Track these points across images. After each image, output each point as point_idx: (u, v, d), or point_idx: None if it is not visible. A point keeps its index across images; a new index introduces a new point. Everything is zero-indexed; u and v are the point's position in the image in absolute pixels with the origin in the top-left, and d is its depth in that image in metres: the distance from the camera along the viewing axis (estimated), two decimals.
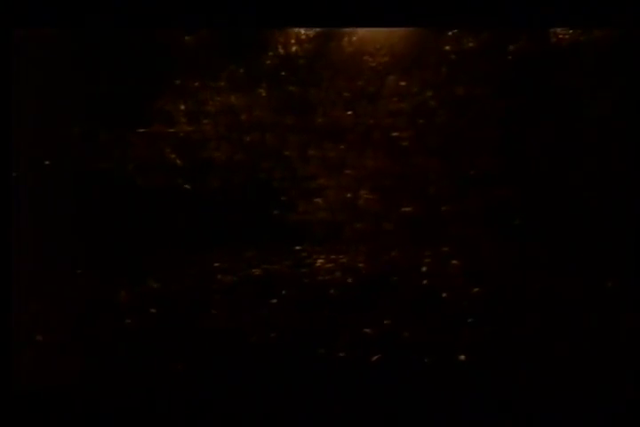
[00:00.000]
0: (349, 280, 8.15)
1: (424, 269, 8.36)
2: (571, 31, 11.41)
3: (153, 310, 7.72)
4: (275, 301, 7.79)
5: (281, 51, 11.70)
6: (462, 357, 6.70)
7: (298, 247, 8.80)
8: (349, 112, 10.60)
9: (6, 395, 6.00)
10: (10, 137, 6.47)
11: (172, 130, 10.25)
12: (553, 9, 8.37)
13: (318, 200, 9.56)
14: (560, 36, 11.38)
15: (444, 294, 7.90)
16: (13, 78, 6.79)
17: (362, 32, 11.70)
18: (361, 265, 8.47)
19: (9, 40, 6.70)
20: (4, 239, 6.28)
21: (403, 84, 10.94)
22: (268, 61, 11.52)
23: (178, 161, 10.00)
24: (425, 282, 8.12)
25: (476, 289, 7.80)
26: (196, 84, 10.83)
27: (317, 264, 8.45)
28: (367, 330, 7.06)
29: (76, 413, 5.99)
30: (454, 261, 8.35)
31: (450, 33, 11.51)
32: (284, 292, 7.95)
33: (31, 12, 7.07)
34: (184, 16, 8.54)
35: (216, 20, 8.84)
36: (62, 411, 5.99)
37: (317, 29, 11.85)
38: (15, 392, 6.03)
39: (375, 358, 6.58)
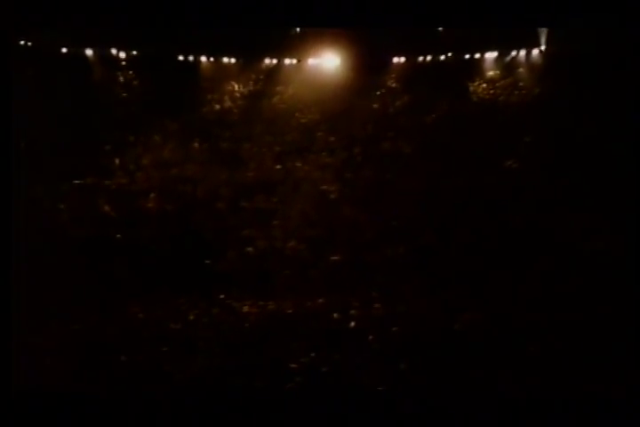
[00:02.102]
0: (276, 324, 9.01)
1: (352, 311, 9.30)
2: (492, 91, 12.92)
3: (81, 354, 8.38)
4: (203, 344, 8.59)
5: (216, 106, 12.84)
6: (381, 388, 7.64)
7: (223, 296, 9.63)
8: (279, 166, 11.72)
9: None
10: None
11: (106, 182, 11.15)
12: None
13: (249, 249, 10.47)
14: (481, 96, 12.86)
15: (370, 337, 8.84)
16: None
17: (293, 90, 12.99)
18: (288, 311, 9.35)
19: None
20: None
21: (332, 139, 12.18)
22: (203, 117, 12.64)
23: (111, 212, 10.85)
24: (352, 324, 9.05)
25: (394, 329, 8.77)
26: (131, 138, 11.82)
27: (245, 310, 9.31)
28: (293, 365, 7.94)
29: None
30: (377, 305, 9.33)
31: (377, 92, 12.89)
32: (211, 335, 8.76)
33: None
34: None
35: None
36: None
37: (251, 88, 13.09)
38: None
39: (290, 386, 7.49)
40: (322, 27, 11.78)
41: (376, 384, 7.86)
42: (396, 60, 13.07)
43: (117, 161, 11.62)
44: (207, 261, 10.27)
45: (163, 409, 6.85)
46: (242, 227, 10.83)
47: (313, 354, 8.16)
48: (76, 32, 12.18)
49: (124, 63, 12.72)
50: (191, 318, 9.20)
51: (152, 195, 11.26)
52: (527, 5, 10.15)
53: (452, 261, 10.23)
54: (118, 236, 10.60)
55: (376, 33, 12.45)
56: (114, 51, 12.78)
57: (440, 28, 12.84)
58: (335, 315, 9.20)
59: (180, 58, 12.98)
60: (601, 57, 12.00)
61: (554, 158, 11.51)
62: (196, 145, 12.08)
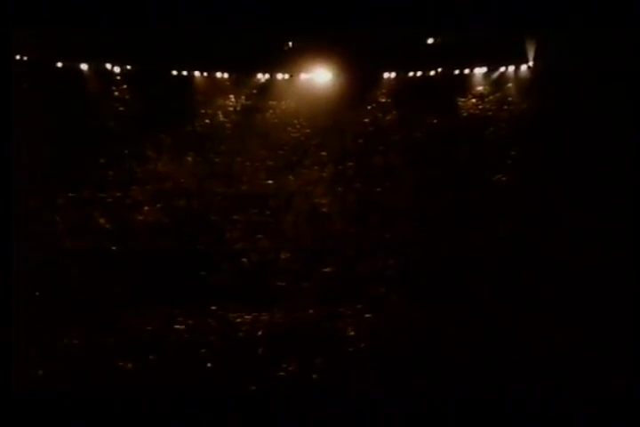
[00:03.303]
0: (269, 333, 9.53)
1: (344, 321, 9.83)
2: (481, 106, 13.49)
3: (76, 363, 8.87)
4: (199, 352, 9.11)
5: (209, 121, 13.35)
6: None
7: (217, 306, 10.11)
8: (271, 180, 12.23)
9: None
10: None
11: (101, 195, 11.65)
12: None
13: (243, 261, 10.97)
14: (470, 111, 13.42)
15: (361, 345, 9.39)
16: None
17: (285, 105, 13.53)
18: (281, 321, 9.86)
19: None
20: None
21: (323, 153, 12.72)
22: (196, 131, 13.15)
23: (107, 225, 11.34)
24: (343, 333, 9.59)
25: (385, 337, 9.30)
26: (126, 151, 12.31)
27: (238, 320, 9.81)
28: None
29: None
30: (368, 315, 9.84)
31: (368, 107, 13.45)
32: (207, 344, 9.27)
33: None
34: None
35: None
36: None
37: (244, 102, 13.63)
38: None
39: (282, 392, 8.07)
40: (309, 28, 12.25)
41: (365, 391, 8.40)
42: (386, 75, 13.62)
43: (112, 174, 12.09)
44: (202, 273, 10.77)
45: (161, 411, 7.36)
46: (235, 239, 11.35)
47: (304, 361, 8.69)
48: (70, 46, 12.73)
49: (118, 78, 13.24)
50: (186, 327, 9.71)
51: (146, 208, 11.77)
52: (517, 17, 10.78)
53: (442, 272, 10.77)
54: (113, 248, 11.09)
55: (367, 49, 13.05)
56: (108, 65, 13.31)
57: (430, 43, 13.48)
58: (327, 325, 9.74)
59: (174, 72, 13.50)
60: (588, 73, 12.63)
61: (542, 172, 12.09)
62: (190, 159, 12.58)
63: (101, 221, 11.49)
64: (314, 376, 8.44)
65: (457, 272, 10.62)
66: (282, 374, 8.51)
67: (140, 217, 11.64)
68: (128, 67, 13.39)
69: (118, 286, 10.49)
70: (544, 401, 8.42)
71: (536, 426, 8.25)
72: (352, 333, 9.66)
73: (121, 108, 13.04)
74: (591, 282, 10.26)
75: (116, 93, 13.26)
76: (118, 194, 11.89)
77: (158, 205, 11.86)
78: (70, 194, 11.66)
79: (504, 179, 12.16)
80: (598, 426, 8.15)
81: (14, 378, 7.72)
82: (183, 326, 9.77)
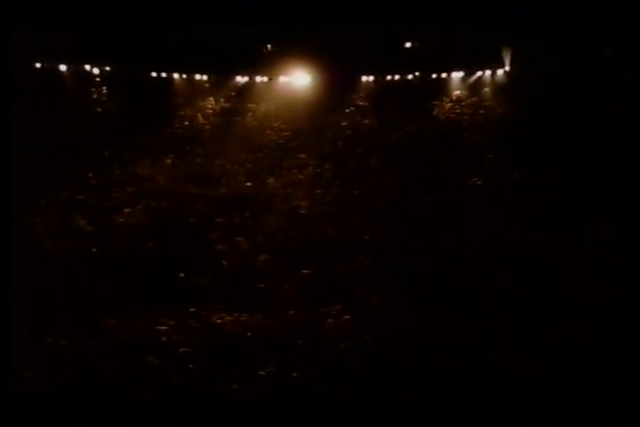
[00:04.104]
0: (249, 334, 9.73)
1: (323, 322, 10.04)
2: (457, 110, 13.85)
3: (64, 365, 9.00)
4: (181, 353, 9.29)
5: (189, 123, 13.57)
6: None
7: (198, 308, 10.27)
8: (251, 182, 12.45)
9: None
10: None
11: (82, 197, 11.79)
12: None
13: (223, 263, 11.17)
14: (447, 114, 13.78)
15: (340, 345, 9.61)
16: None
17: (265, 107, 13.80)
18: (261, 322, 10.06)
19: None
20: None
21: (302, 156, 12.97)
22: (176, 133, 13.35)
23: (87, 227, 11.49)
24: (322, 334, 9.80)
25: (365, 338, 9.54)
26: (106, 153, 12.48)
27: (219, 321, 9.99)
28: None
29: None
30: (347, 316, 10.07)
31: (347, 110, 13.75)
32: (188, 345, 9.45)
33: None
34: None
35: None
36: None
37: (223, 104, 13.85)
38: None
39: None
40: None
41: (346, 391, 8.63)
42: (364, 78, 13.96)
43: (92, 176, 12.23)
44: (182, 275, 10.93)
45: (145, 411, 7.56)
46: (215, 241, 11.54)
47: (285, 362, 8.92)
48: (48, 47, 12.87)
49: (98, 79, 13.40)
50: (168, 328, 9.86)
51: (127, 209, 11.93)
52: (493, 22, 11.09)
53: (420, 273, 11.03)
54: (94, 250, 11.21)
55: (345, 52, 13.35)
56: (87, 67, 13.47)
57: (408, 47, 13.81)
58: (307, 325, 9.94)
59: (154, 74, 13.70)
60: (563, 78, 13.05)
61: (517, 175, 12.44)
62: (169, 161, 12.78)
63: (82, 222, 11.63)
64: (294, 375, 8.66)
65: (435, 273, 10.88)
66: (263, 373, 8.71)
67: (121, 219, 11.80)
68: (107, 68, 13.58)
69: (99, 287, 10.60)
70: (529, 402, 8.65)
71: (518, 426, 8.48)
72: (332, 333, 9.86)
73: (100, 110, 13.23)
74: (569, 282, 10.54)
75: (95, 95, 13.44)
76: (99, 196, 12.05)
77: (138, 207, 12.04)
78: (51, 196, 11.80)
79: (480, 182, 12.49)
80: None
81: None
82: (165, 327, 9.91)
